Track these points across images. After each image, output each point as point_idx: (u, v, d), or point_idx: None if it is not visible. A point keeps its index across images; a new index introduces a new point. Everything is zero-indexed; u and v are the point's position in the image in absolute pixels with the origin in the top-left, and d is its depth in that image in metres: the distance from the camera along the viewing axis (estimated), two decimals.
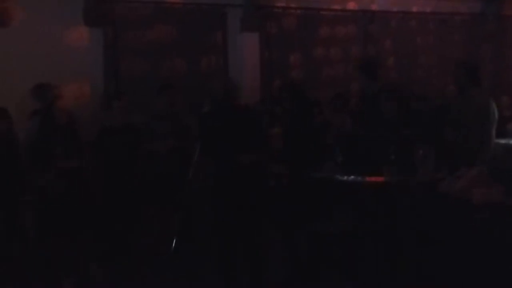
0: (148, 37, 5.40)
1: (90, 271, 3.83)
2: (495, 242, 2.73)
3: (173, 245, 3.74)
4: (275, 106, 4.84)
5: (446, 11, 6.71)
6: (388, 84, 4.01)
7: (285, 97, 3.99)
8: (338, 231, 3.49)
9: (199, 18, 5.59)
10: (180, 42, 5.51)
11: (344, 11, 6.33)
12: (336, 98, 5.35)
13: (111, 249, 4.01)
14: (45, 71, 4.56)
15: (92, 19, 5.15)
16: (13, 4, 4.82)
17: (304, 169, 3.60)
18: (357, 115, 4.04)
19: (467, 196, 2.84)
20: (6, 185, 3.91)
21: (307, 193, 3.62)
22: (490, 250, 2.72)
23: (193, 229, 4.40)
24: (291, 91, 4.01)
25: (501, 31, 6.86)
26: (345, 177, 3.19)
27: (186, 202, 4.43)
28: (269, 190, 3.86)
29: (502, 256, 2.69)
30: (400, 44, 6.52)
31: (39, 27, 4.85)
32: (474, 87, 3.73)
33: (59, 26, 4.98)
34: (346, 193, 3.34)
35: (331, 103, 5.35)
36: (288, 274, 3.69)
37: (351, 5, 6.39)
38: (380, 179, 3.15)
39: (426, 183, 3.08)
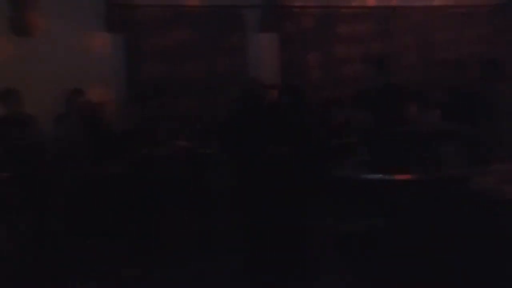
0: (168, 41, 5.46)
1: (117, 274, 3.88)
2: None
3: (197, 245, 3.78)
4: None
5: (469, 3, 6.57)
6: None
7: (284, 98, 3.96)
8: (365, 230, 3.45)
9: (217, 20, 5.62)
10: (200, 45, 5.55)
11: (363, 8, 6.27)
12: (357, 96, 5.31)
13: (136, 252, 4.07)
14: (68, 77, 4.66)
15: (114, 25, 5.24)
16: (37, 14, 4.94)
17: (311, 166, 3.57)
18: (375, 110, 3.97)
19: (498, 193, 2.78)
20: (35, 189, 4.01)
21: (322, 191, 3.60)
22: None
23: (215, 229, 4.44)
24: (289, 92, 3.98)
25: None
26: (372, 176, 3.15)
27: (206, 202, 4.49)
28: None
29: None
30: (421, 39, 6.41)
31: (62, 35, 4.96)
32: (500, 80, 3.66)
33: (81, 33, 5.08)
34: (373, 192, 3.30)
35: (352, 101, 5.32)
36: (310, 272, 3.66)
37: (370, 1, 6.32)
38: (407, 176, 3.10)
39: (455, 180, 3.02)
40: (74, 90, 4.28)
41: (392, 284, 3.22)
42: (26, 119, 4.19)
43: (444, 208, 3.02)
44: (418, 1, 6.45)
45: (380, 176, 3.10)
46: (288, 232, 3.55)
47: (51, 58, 4.85)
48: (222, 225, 4.40)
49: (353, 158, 3.55)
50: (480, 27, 6.62)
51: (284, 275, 3.50)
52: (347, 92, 5.67)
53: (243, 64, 5.71)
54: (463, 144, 3.08)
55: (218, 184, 4.43)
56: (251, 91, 3.85)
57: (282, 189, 3.53)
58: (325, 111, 5.31)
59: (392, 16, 6.30)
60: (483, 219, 2.84)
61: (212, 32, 5.59)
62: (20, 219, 4.04)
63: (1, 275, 3.70)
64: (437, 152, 3.09)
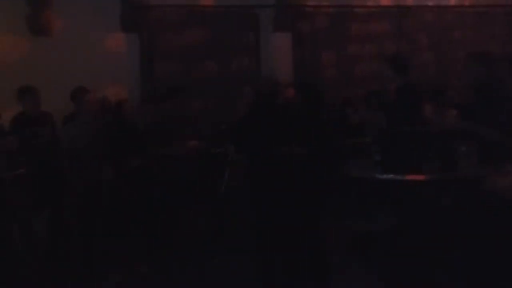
0: (182, 41, 5.50)
1: (133, 270, 3.91)
2: None
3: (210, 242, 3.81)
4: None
5: (485, 3, 6.48)
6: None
7: (298, 96, 3.92)
8: (378, 230, 3.43)
9: (231, 20, 5.64)
10: (213, 44, 5.58)
11: (377, 7, 6.23)
12: (370, 96, 5.29)
13: (152, 249, 4.11)
14: (83, 76, 4.72)
15: (129, 24, 5.30)
16: (54, 14, 5.02)
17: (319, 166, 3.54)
18: (393, 111, 3.93)
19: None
20: (52, 187, 4.06)
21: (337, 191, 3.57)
22: None
23: (228, 229, 4.46)
24: (303, 90, 3.94)
25: None
26: (384, 176, 3.13)
27: (220, 202, 4.50)
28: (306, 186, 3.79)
29: None
30: (437, 39, 6.35)
31: (78, 34, 5.03)
32: None
33: (96, 33, 5.15)
34: (385, 192, 3.28)
35: (366, 100, 5.30)
36: (320, 272, 3.65)
37: (385, 1, 6.28)
38: (420, 177, 3.07)
39: (468, 180, 2.98)
40: (77, 88, 4.32)
41: (406, 284, 3.19)
42: (43, 117, 4.25)
43: (458, 209, 2.99)
44: (433, 0, 6.39)
45: (393, 176, 3.07)
46: (302, 233, 3.54)
47: (67, 57, 4.92)
48: (234, 225, 4.42)
49: (367, 158, 3.52)
50: (497, 27, 6.52)
51: (298, 276, 3.49)
52: (360, 91, 5.65)
53: (256, 64, 5.72)
54: (478, 144, 3.03)
55: (231, 184, 4.45)
56: (265, 90, 3.84)
57: (296, 189, 3.52)
58: (339, 110, 5.30)
59: (406, 15, 6.25)
60: (496, 220, 2.80)
61: (226, 32, 5.61)
62: (35, 216, 4.10)
63: (16, 273, 3.77)
64: (451, 152, 3.05)
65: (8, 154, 3.85)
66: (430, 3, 6.39)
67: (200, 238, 4.37)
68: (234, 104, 5.08)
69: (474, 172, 3.01)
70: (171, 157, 4.24)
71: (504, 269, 2.77)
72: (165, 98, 4.66)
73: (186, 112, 4.71)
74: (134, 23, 5.33)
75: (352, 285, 3.47)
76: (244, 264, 3.72)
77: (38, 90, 4.20)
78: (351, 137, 4.71)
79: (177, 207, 4.28)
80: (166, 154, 4.23)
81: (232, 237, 4.31)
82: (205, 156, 4.49)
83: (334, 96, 5.59)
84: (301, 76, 5.71)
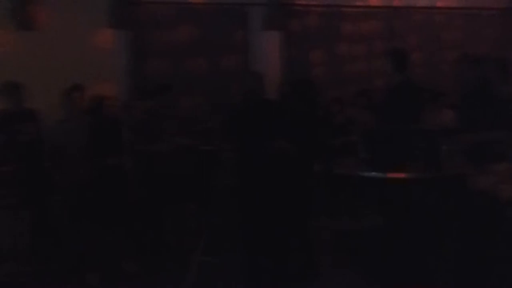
0: (171, 38, 5.47)
1: (121, 267, 3.88)
2: None
3: (201, 241, 3.80)
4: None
5: (474, 6, 6.54)
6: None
7: (294, 94, 3.90)
8: (362, 228, 3.45)
9: (220, 18, 5.63)
10: (203, 42, 5.57)
11: (367, 7, 6.26)
12: (359, 95, 5.33)
13: (141, 246, 4.08)
14: (72, 73, 4.68)
15: (117, 21, 5.26)
16: (41, 9, 4.96)
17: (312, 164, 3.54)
18: (381, 110, 3.94)
19: (495, 192, 2.77)
20: (36, 184, 4.02)
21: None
22: None
23: (220, 226, 4.44)
24: (299, 89, 3.93)
25: None
26: (370, 173, 3.14)
27: (213, 199, 4.49)
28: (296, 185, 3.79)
29: None
30: (425, 40, 6.40)
31: (67, 30, 4.98)
32: (503, 82, 3.62)
33: (85, 29, 5.11)
34: (370, 190, 3.29)
35: (354, 99, 5.33)
36: (308, 270, 3.66)
37: (374, 1, 6.31)
38: (404, 175, 3.08)
39: (452, 179, 3.00)
40: (73, 86, 4.28)
41: (395, 284, 3.21)
42: (28, 113, 4.20)
43: (444, 207, 3.01)
44: (422, 1, 6.44)
45: (381, 174, 3.09)
46: (291, 230, 3.54)
47: (55, 53, 4.86)
48: (224, 222, 4.41)
49: (356, 156, 3.53)
50: (485, 29, 6.59)
51: (286, 274, 3.49)
52: (350, 90, 5.67)
53: (245, 62, 5.72)
54: (464, 143, 3.05)
55: (221, 181, 4.44)
56: (252, 87, 3.84)
57: (286, 187, 3.52)
58: (328, 109, 5.32)
59: (396, 16, 6.29)
60: (482, 218, 2.83)
61: (216, 30, 5.60)
62: (21, 213, 4.05)
63: (3, 271, 3.72)
64: (437, 151, 3.08)
65: None
66: (419, 4, 6.43)
67: (190, 237, 4.36)
68: (223, 101, 5.07)
69: (459, 171, 3.04)
70: (160, 154, 4.23)
71: (490, 266, 2.79)
72: (153, 95, 4.64)
73: (175, 109, 4.69)
74: (124, 19, 5.30)
75: (342, 283, 3.48)
76: (235, 262, 3.70)
77: (22, 86, 4.15)
78: (339, 135, 4.73)
79: (167, 204, 4.26)
80: (155, 151, 4.21)
81: (223, 235, 4.29)
82: (195, 153, 4.48)
83: (323, 94, 5.59)
84: (290, 74, 5.71)
